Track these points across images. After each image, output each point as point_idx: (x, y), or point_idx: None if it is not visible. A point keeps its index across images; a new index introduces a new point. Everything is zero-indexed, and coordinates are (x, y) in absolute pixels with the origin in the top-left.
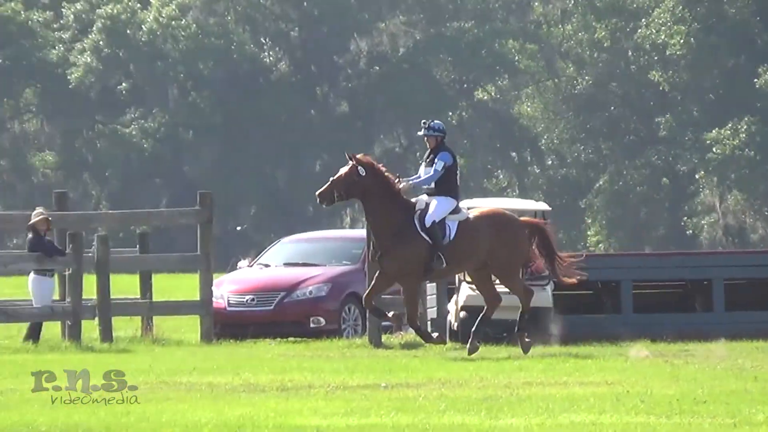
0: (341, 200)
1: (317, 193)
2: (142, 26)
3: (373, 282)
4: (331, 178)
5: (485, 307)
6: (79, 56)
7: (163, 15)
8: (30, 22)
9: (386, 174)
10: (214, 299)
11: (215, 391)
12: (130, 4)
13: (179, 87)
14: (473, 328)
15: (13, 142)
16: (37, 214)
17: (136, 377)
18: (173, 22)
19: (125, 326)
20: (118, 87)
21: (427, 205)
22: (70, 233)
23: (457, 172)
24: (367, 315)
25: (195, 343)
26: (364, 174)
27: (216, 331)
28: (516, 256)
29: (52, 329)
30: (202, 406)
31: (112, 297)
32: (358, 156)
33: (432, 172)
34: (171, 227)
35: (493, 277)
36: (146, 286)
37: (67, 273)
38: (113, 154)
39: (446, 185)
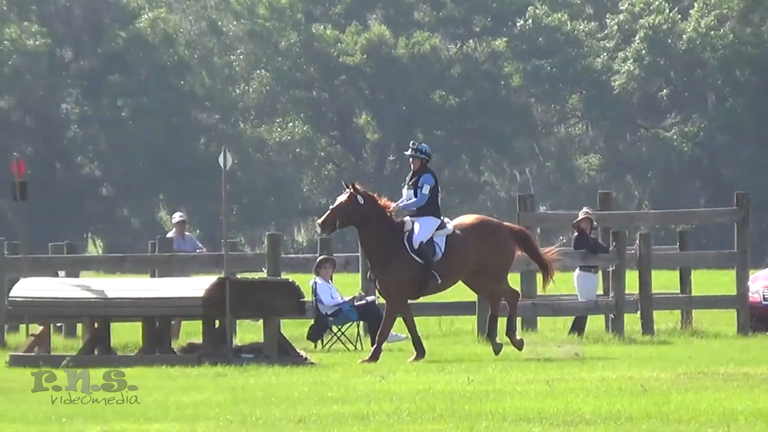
0: (341, 227)
1: (319, 221)
2: (682, 36)
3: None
4: (330, 207)
5: (490, 308)
6: (622, 64)
7: (702, 25)
8: (575, 31)
9: (383, 203)
10: (749, 294)
11: (751, 381)
12: (671, 15)
13: (717, 93)
14: (487, 333)
15: (558, 145)
16: (582, 214)
17: (675, 368)
18: (712, 32)
19: (665, 319)
20: (659, 93)
21: (412, 227)
22: (614, 231)
23: (439, 193)
24: None
25: (731, 336)
26: (362, 203)
27: (751, 324)
28: (504, 260)
29: (596, 322)
30: (738, 396)
31: (653, 292)
32: (356, 185)
33: (419, 196)
34: (708, 226)
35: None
36: (685, 282)
37: (610, 269)
38: (654, 156)
39: (428, 207)
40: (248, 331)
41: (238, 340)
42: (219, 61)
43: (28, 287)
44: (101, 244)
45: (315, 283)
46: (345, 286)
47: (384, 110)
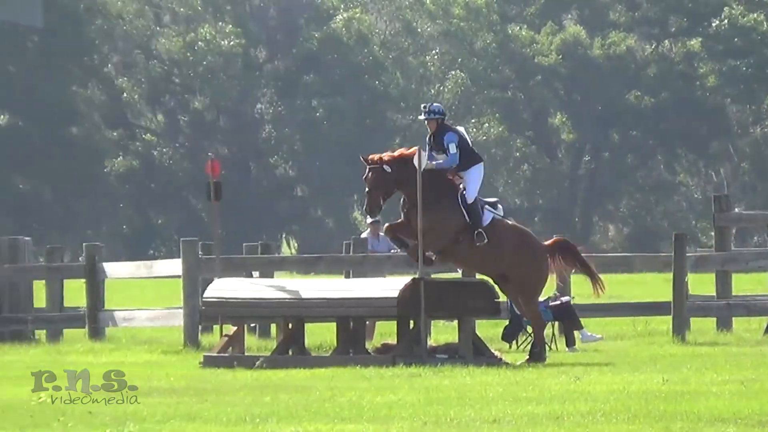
0: (385, 201)
1: (365, 209)
2: None
3: (401, 220)
4: (366, 190)
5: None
6: None
7: None
8: None
9: (409, 152)
10: None
11: None
12: None
13: None
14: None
15: (754, 145)
16: None
17: None
18: None
19: None
20: None
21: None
22: None
23: (469, 143)
24: None
25: None
26: (390, 170)
27: None
28: (535, 278)
29: None
30: None
31: None
32: (372, 157)
33: (450, 156)
34: None
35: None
36: None
37: None
38: None
39: (467, 158)
40: (442, 332)
41: (432, 341)
42: (414, 62)
43: (222, 288)
44: (295, 244)
45: None
46: None
47: (579, 110)
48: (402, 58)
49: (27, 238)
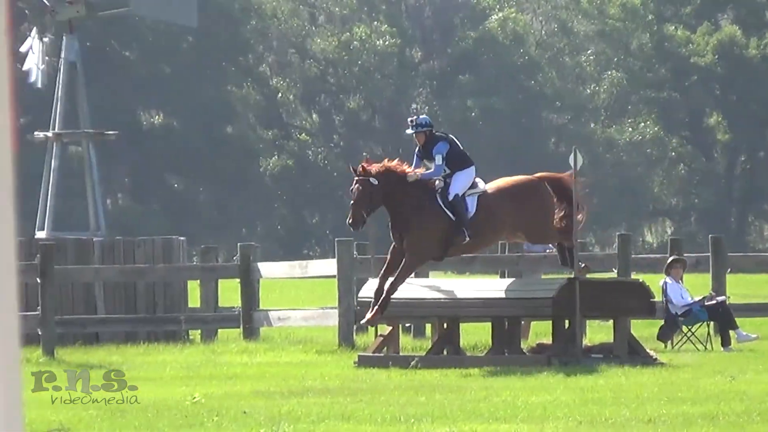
0: (369, 215)
1: (348, 222)
2: None
3: (389, 261)
4: (351, 202)
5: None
6: None
7: None
8: None
9: (396, 168)
10: None
11: None
12: None
13: None
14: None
15: None
16: None
17: None
18: None
19: None
20: None
21: (447, 183)
22: None
23: (460, 149)
24: None
25: None
26: (377, 183)
27: None
28: (545, 217)
29: None
30: None
31: None
32: (363, 167)
33: (435, 168)
34: None
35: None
36: None
37: None
38: None
39: (458, 162)
40: (597, 332)
41: (587, 341)
42: (569, 61)
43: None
44: None
45: (665, 283)
46: (695, 287)
47: (735, 111)
48: (557, 58)
49: (181, 238)
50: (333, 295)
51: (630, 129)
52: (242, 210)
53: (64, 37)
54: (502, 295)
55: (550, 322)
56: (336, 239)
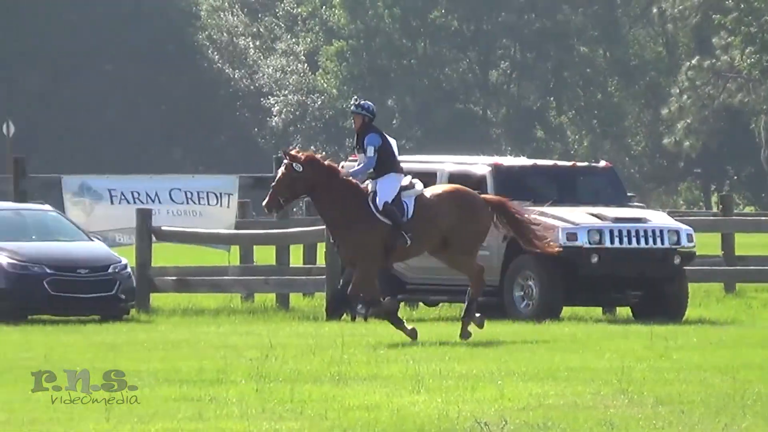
0: (288, 203)
1: (263, 204)
2: None
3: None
4: (271, 185)
5: (470, 287)
6: None
7: None
8: None
9: (327, 163)
10: None
11: None
12: None
13: None
14: (463, 315)
15: None
16: None
17: None
18: None
19: None
20: None
21: (375, 192)
22: None
23: (393, 149)
24: None
25: None
26: (301, 170)
27: None
28: (477, 235)
29: None
30: None
31: None
32: (291, 152)
33: (366, 160)
34: None
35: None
36: None
37: None
38: None
39: (385, 165)
40: None
41: None
42: None
43: None
44: None
45: None
46: None
47: None
48: None
49: None
50: None
51: None
52: None
53: None
54: None
55: None
56: None
